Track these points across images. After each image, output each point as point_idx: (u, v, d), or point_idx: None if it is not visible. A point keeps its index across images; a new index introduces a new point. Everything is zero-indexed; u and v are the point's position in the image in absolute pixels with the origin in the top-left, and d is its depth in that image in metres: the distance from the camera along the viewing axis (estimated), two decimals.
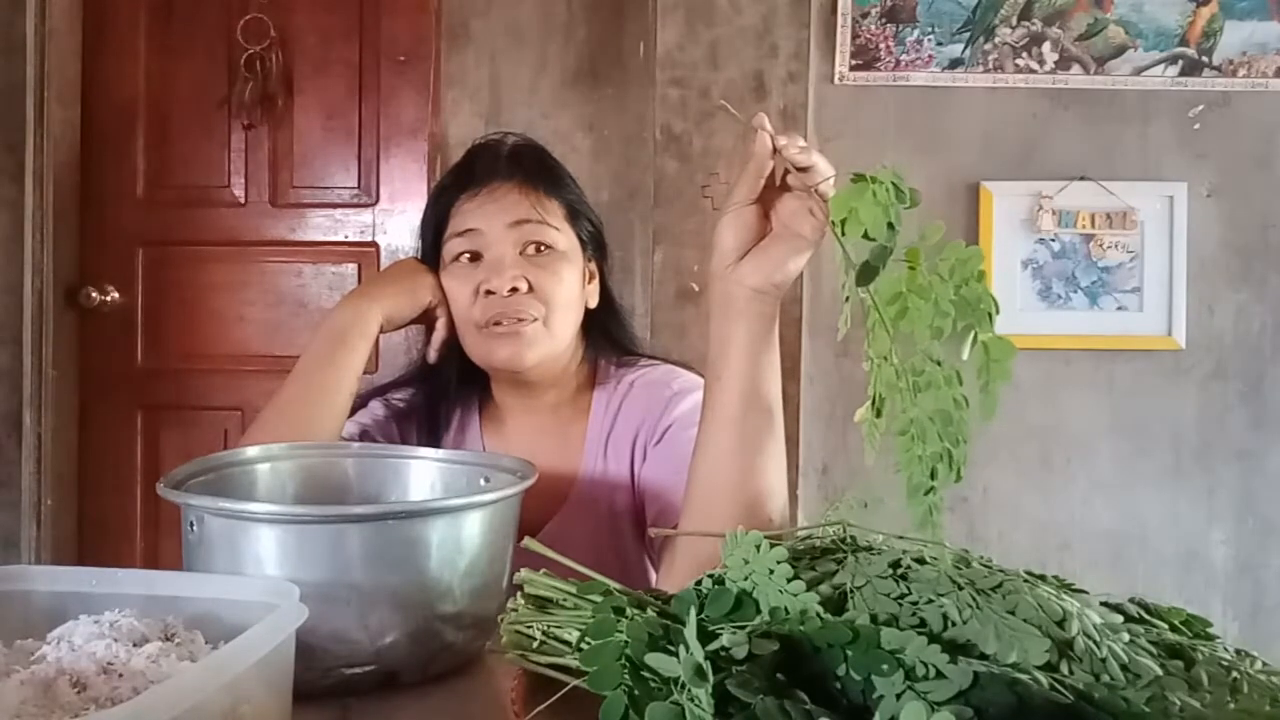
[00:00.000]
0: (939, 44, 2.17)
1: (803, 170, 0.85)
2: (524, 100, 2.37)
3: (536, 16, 2.37)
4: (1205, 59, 2.17)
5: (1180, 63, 2.17)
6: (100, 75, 2.43)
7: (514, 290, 1.14)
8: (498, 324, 1.14)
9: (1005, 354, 0.65)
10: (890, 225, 0.72)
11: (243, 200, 2.45)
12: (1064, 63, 2.18)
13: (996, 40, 2.17)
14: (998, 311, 0.67)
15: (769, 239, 0.89)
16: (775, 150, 0.85)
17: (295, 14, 2.42)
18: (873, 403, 0.72)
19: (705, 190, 2.13)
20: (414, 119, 2.42)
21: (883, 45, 2.17)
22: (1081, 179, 2.16)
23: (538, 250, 1.16)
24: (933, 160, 2.15)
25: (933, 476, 0.65)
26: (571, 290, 1.18)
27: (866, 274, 0.70)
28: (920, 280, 0.68)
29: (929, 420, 0.65)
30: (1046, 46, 2.18)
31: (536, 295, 1.15)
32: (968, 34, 2.17)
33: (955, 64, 2.18)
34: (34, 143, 2.25)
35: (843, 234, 0.75)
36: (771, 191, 0.88)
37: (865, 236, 0.74)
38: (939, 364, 0.66)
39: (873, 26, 2.16)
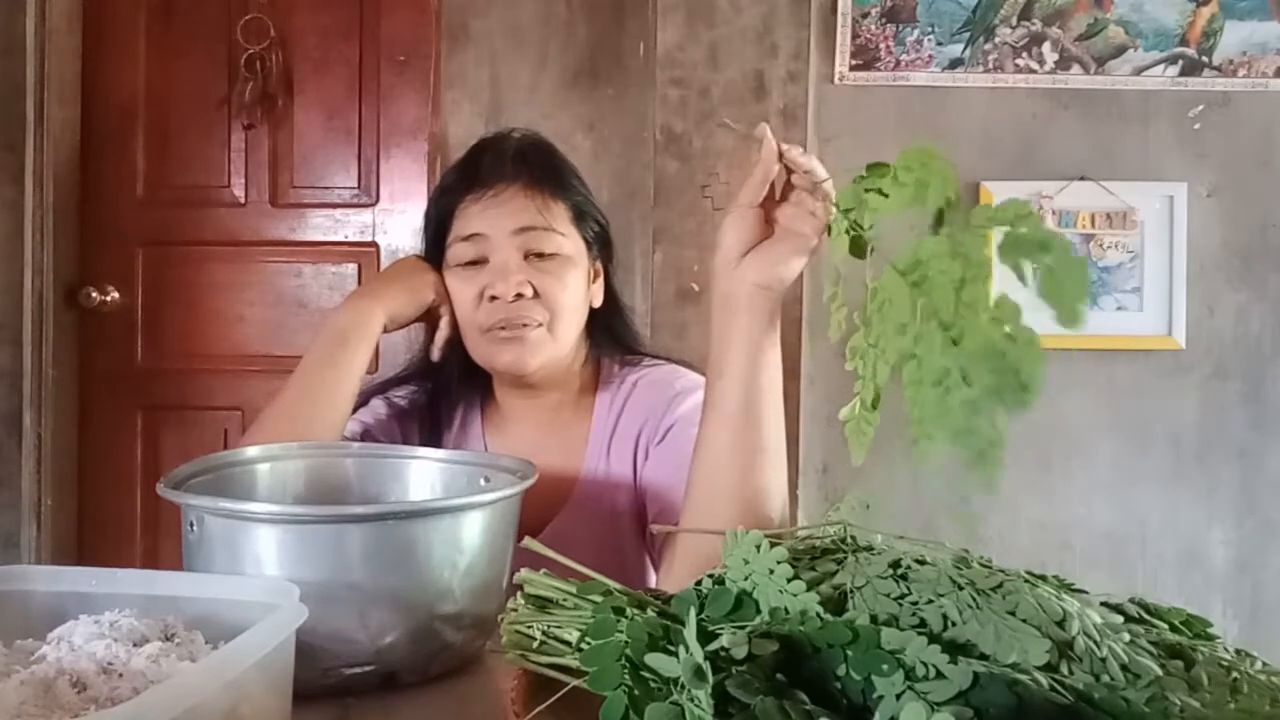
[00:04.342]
0: (939, 44, 2.17)
1: (805, 172, 0.88)
2: (524, 100, 2.36)
3: (536, 16, 2.37)
4: (1205, 59, 2.17)
5: (1180, 63, 2.17)
6: (100, 75, 2.43)
7: (519, 296, 1.13)
8: (501, 329, 1.14)
9: (1076, 270, 0.61)
10: (947, 192, 0.70)
11: (243, 200, 2.45)
12: (1064, 63, 2.18)
13: (996, 40, 2.17)
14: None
15: (771, 239, 0.91)
16: (780, 156, 0.87)
17: (295, 14, 2.41)
18: (869, 398, 0.71)
19: (705, 190, 2.13)
20: (414, 119, 2.42)
21: (883, 45, 2.17)
22: (1081, 179, 2.16)
23: (542, 256, 1.16)
24: None
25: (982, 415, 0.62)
26: (576, 295, 1.17)
27: (940, 221, 0.68)
28: (949, 242, 0.66)
29: (975, 362, 0.62)
30: (1046, 46, 2.18)
31: (541, 301, 1.14)
32: (968, 34, 2.17)
33: (955, 64, 2.18)
34: (34, 143, 2.26)
35: (855, 226, 0.75)
36: (773, 199, 0.90)
37: (857, 248, 0.74)
38: (985, 307, 0.63)
39: (873, 26, 2.16)
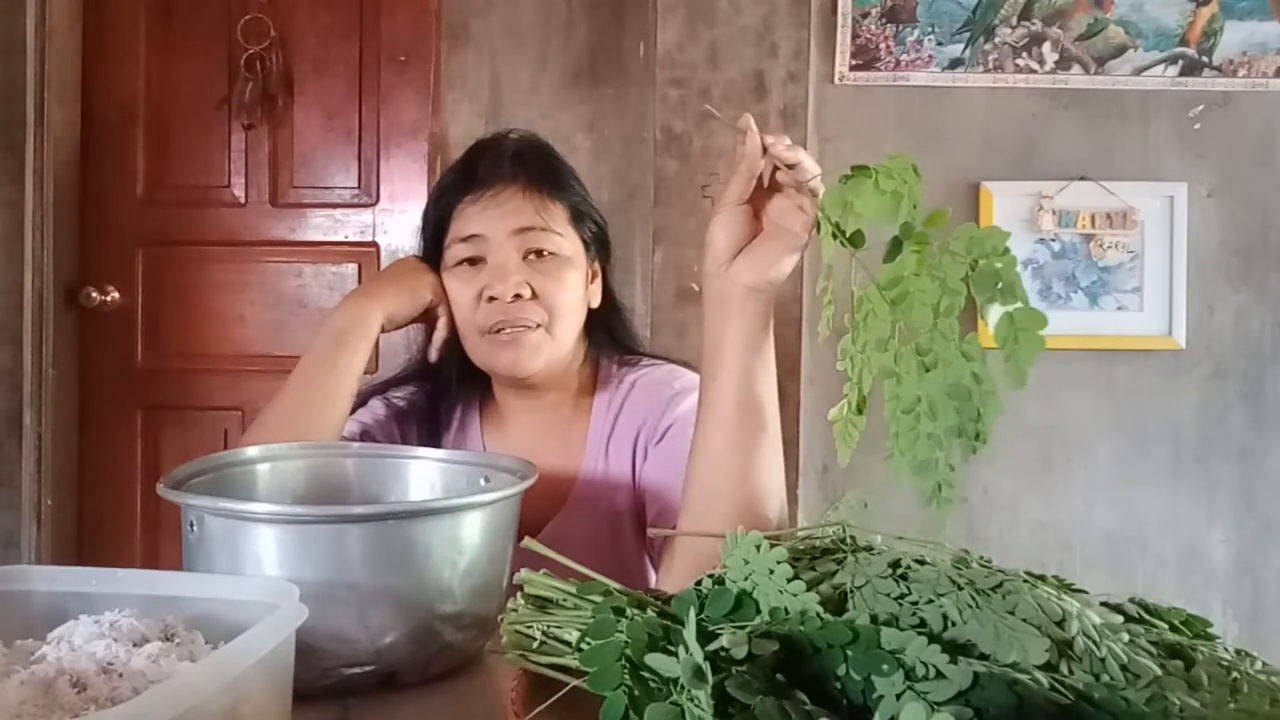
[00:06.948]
0: (939, 44, 2.17)
1: (791, 167, 0.86)
2: (524, 100, 2.36)
3: (536, 16, 2.37)
4: (1205, 59, 2.17)
5: (1180, 63, 2.17)
6: (100, 75, 2.43)
7: (517, 297, 1.13)
8: (501, 330, 1.14)
9: (1034, 324, 0.61)
10: (914, 205, 0.71)
11: (243, 200, 2.45)
12: (1064, 63, 2.18)
13: (996, 40, 2.17)
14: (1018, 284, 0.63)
15: (761, 237, 0.90)
16: (765, 150, 0.86)
17: (295, 14, 2.42)
18: (855, 401, 0.71)
19: (705, 190, 2.13)
20: (414, 119, 2.42)
21: (883, 45, 2.17)
22: (1081, 179, 2.16)
23: (540, 256, 1.16)
24: (933, 160, 2.15)
25: (944, 450, 0.62)
26: (575, 295, 1.17)
27: (894, 250, 0.69)
28: (929, 261, 0.67)
29: (944, 396, 0.63)
30: (1046, 46, 2.18)
31: (540, 302, 1.14)
32: (968, 34, 2.17)
33: (955, 64, 2.18)
34: (34, 143, 2.25)
35: (838, 230, 0.75)
36: (761, 192, 0.89)
37: (850, 241, 0.74)
38: (955, 340, 0.64)
39: (873, 26, 2.16)
